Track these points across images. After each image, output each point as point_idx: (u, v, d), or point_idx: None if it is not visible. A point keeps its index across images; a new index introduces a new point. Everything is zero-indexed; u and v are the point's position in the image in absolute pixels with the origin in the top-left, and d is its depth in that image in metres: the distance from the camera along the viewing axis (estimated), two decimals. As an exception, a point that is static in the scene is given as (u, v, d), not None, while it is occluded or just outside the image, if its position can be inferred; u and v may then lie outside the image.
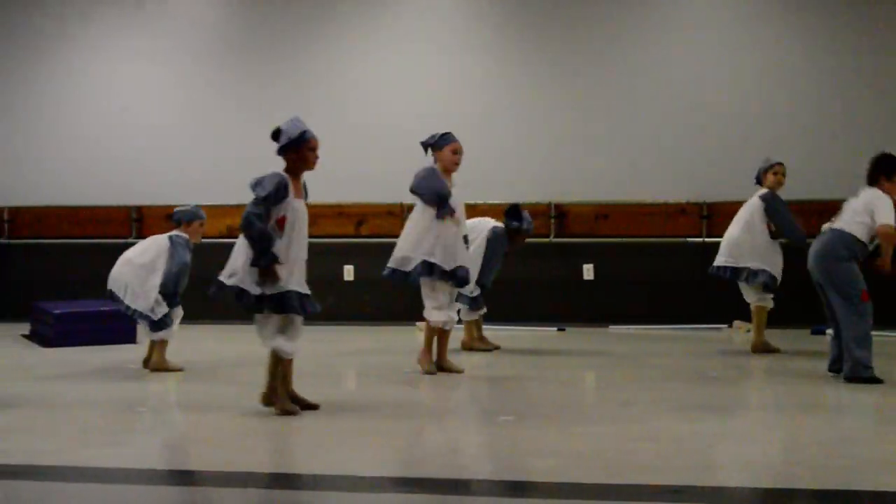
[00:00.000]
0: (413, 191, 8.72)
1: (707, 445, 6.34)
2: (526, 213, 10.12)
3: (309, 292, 7.09)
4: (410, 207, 11.98)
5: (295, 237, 7.04)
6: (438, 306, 8.61)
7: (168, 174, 12.65)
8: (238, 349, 10.62)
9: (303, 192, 7.20)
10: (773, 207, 9.67)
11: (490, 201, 11.82)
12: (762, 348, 9.79)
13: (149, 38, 12.91)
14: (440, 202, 8.57)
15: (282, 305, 6.96)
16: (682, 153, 11.92)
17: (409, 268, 8.61)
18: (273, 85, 12.64)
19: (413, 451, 6.32)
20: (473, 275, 9.18)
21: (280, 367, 7.10)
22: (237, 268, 7.06)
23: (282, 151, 7.15)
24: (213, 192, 12.63)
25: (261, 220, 6.93)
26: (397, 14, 12.45)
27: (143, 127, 12.61)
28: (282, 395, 7.07)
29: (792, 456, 6.10)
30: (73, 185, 12.85)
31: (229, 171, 12.54)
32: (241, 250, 7.07)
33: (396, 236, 11.93)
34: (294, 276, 7.02)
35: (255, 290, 6.95)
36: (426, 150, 8.83)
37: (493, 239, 9.96)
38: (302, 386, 7.41)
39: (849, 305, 7.97)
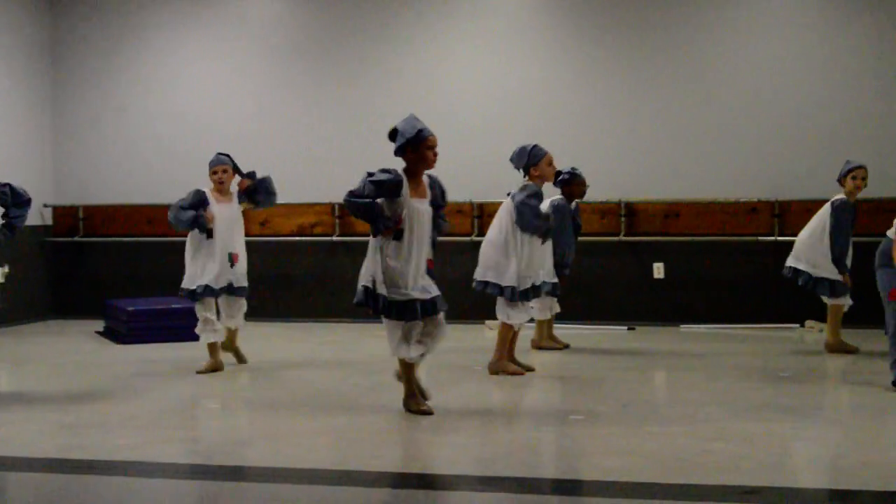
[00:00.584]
0: (525, 229, 8.57)
1: (780, 446, 6.29)
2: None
3: (433, 293, 7.02)
4: (480, 206, 12.06)
5: (414, 238, 6.95)
6: (514, 305, 8.61)
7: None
8: (307, 349, 10.69)
9: (427, 192, 7.05)
10: (835, 219, 9.56)
11: (560, 200, 11.80)
12: (838, 348, 9.68)
13: (219, 39, 13.00)
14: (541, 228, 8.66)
15: (402, 313, 6.94)
16: (754, 151, 11.80)
17: (504, 284, 8.56)
18: (344, 85, 12.67)
19: (484, 450, 6.32)
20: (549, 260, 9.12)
21: (410, 370, 7.10)
22: (368, 272, 7.02)
23: (400, 152, 7.00)
24: (283, 191, 12.69)
25: (359, 197, 6.85)
26: (471, 14, 12.43)
27: (213, 127, 12.70)
28: (414, 393, 7.10)
29: (865, 457, 6.02)
30: (146, 183, 12.99)
31: (299, 171, 12.62)
32: (370, 256, 7.03)
33: (467, 234, 12.04)
34: (416, 280, 6.97)
35: (384, 293, 6.94)
36: (525, 172, 8.77)
37: (556, 210, 9.77)
38: (380, 385, 7.45)
39: (887, 307, 7.87)
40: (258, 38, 12.91)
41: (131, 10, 13.21)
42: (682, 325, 11.66)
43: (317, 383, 8.55)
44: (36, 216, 13.21)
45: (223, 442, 6.73)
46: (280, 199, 12.58)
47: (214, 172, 9.04)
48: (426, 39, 12.53)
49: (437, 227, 7.17)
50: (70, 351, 10.55)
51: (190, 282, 8.93)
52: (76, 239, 13.34)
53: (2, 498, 5.46)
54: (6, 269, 8.43)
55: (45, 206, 13.34)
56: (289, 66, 12.84)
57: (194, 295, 8.90)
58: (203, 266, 8.92)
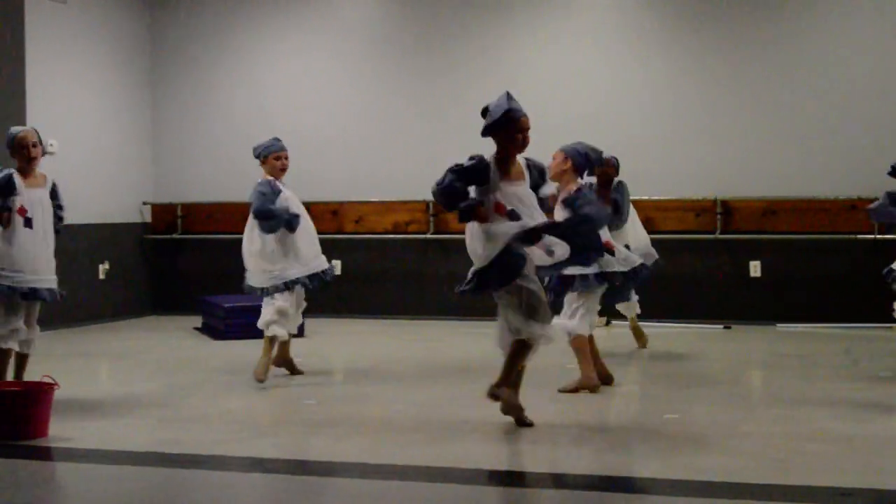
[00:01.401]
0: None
1: (877, 448, 6.19)
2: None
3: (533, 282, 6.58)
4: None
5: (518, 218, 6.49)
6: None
7: (335, 171, 12.84)
8: (400, 346, 10.74)
9: (524, 175, 6.59)
10: None
11: (654, 197, 11.71)
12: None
13: (313, 38, 13.09)
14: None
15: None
16: (853, 148, 11.61)
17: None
18: (437, 81, 12.70)
19: (576, 448, 6.30)
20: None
21: (521, 356, 6.59)
22: (476, 257, 6.60)
23: (487, 132, 6.59)
24: (380, 188, 12.78)
25: (444, 185, 6.54)
26: (565, 11, 12.39)
27: (307, 125, 12.79)
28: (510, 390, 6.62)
29: (969, 460, 5.91)
30: (243, 181, 13.06)
31: (393, 169, 12.69)
32: (480, 241, 6.57)
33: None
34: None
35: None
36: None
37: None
38: (472, 382, 7.45)
39: None
40: (351, 36, 12.99)
41: (227, 9, 13.37)
42: (778, 325, 11.51)
43: (409, 380, 8.59)
44: (135, 214, 13.44)
45: (317, 438, 6.78)
46: (374, 197, 12.75)
47: (278, 158, 8.51)
48: (518, 35, 12.51)
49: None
50: (168, 347, 10.71)
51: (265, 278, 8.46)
52: (174, 236, 13.53)
53: (102, 490, 5.55)
54: None
55: (145, 203, 13.56)
56: (381, 63, 12.90)
57: (268, 291, 8.45)
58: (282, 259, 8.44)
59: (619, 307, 9.97)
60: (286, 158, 8.56)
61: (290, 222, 8.40)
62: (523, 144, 6.58)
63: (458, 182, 6.52)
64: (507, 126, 6.50)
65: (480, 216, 6.49)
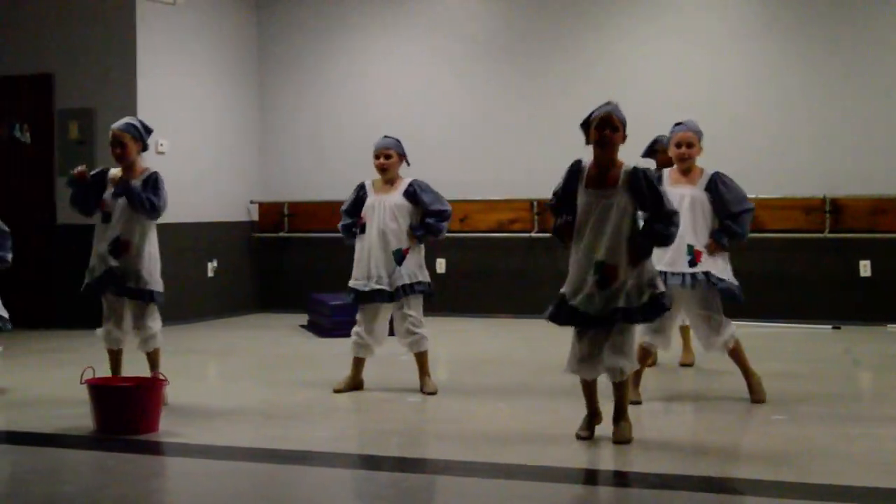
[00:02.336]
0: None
1: None
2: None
3: (594, 309, 6.15)
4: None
5: (588, 232, 6.15)
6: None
7: (440, 169, 12.85)
8: (504, 344, 10.74)
9: (618, 181, 6.12)
10: None
11: (762, 196, 11.55)
12: None
13: (418, 38, 13.14)
14: None
15: (564, 319, 6.26)
16: (968, 145, 11.37)
17: None
18: (541, 80, 12.67)
19: (682, 449, 6.25)
20: None
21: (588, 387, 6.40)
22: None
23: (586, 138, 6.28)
24: (485, 187, 12.79)
25: (554, 212, 6.30)
26: (671, 7, 12.30)
27: (412, 124, 12.84)
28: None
29: None
30: (348, 180, 13.19)
31: (497, 167, 12.70)
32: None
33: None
34: (582, 286, 6.17)
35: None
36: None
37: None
38: (577, 382, 7.43)
39: None
40: (456, 35, 13.02)
41: (333, 9, 13.48)
42: (889, 325, 11.29)
43: (513, 379, 8.58)
44: (243, 212, 13.62)
45: (421, 435, 6.82)
46: (479, 196, 12.76)
47: (376, 157, 8.00)
48: (623, 31, 12.44)
49: (646, 229, 6.22)
50: (275, 344, 10.84)
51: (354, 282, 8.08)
52: (281, 234, 13.69)
53: (210, 485, 5.64)
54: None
55: (252, 202, 13.73)
56: (486, 61, 12.90)
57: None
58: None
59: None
60: (384, 157, 7.96)
61: (346, 231, 8.19)
62: (600, 144, 6.14)
63: (563, 188, 6.28)
64: (589, 123, 6.20)
65: (566, 236, 6.25)
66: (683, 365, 8.92)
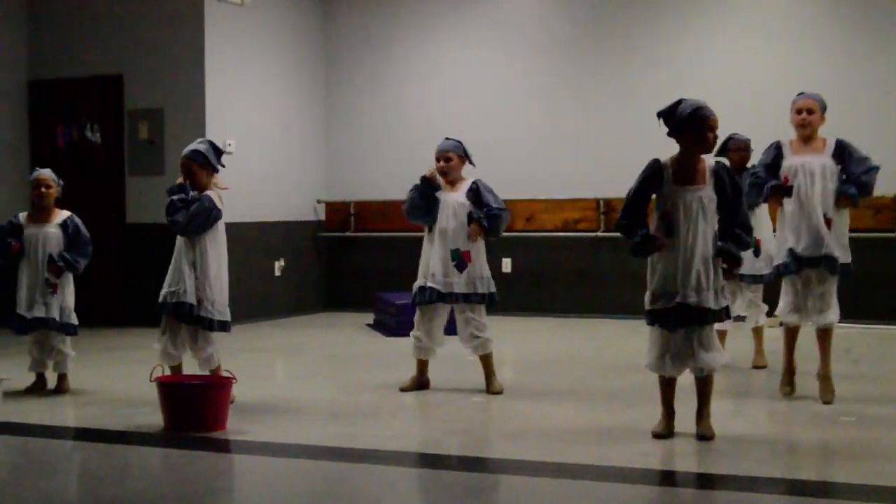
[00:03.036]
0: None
1: None
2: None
3: (707, 303, 6.14)
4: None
5: (684, 233, 6.11)
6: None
7: (506, 169, 12.84)
8: (569, 344, 10.71)
9: (706, 180, 6.15)
10: None
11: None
12: None
13: (483, 37, 13.12)
14: None
15: (664, 321, 6.25)
16: None
17: None
18: (607, 79, 12.61)
19: (753, 450, 6.20)
20: None
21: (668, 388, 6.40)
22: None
23: (675, 132, 6.21)
24: (551, 186, 12.77)
25: (625, 214, 6.23)
26: (734, 6, 12.18)
27: (481, 123, 12.83)
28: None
29: None
30: (413, 180, 13.24)
31: (563, 167, 12.66)
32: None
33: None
34: (687, 282, 6.13)
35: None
36: None
37: None
38: (644, 383, 7.38)
39: None
40: (522, 33, 12.99)
41: (399, 8, 13.51)
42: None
43: (580, 379, 8.55)
44: (310, 212, 13.69)
45: (487, 435, 6.81)
46: (544, 195, 12.73)
47: (437, 160, 7.97)
48: (691, 29, 12.35)
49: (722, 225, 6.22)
50: (341, 342, 10.88)
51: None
52: (347, 234, 13.74)
53: (277, 483, 5.67)
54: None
55: (319, 202, 13.80)
56: (552, 60, 12.87)
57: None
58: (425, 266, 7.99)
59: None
60: (443, 160, 7.92)
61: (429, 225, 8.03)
62: (713, 145, 6.22)
63: (638, 193, 6.21)
64: (696, 125, 6.13)
65: (656, 248, 6.18)
66: (756, 367, 8.82)
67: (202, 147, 7.42)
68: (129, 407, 7.42)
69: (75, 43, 12.56)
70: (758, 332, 8.88)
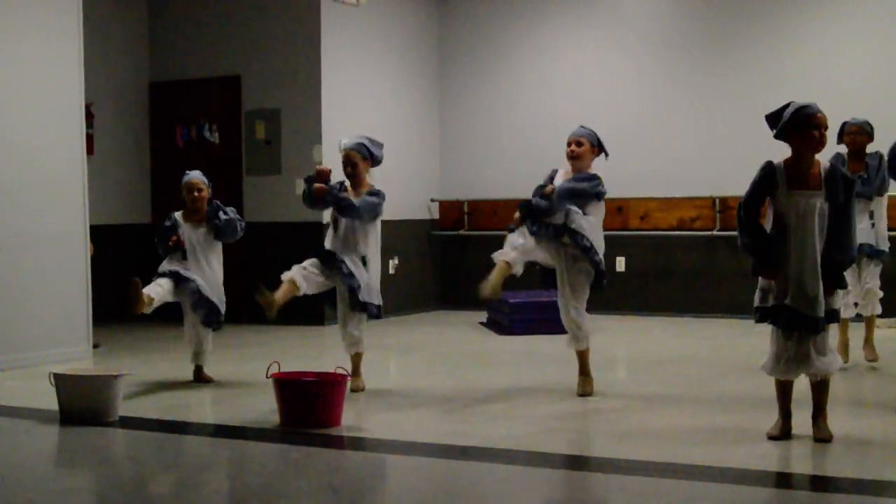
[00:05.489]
0: None
1: None
2: None
3: (819, 313, 6.01)
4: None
5: (794, 240, 6.01)
6: None
7: (621, 167, 12.73)
8: (685, 343, 10.62)
9: (820, 183, 6.00)
10: None
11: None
12: None
13: (598, 34, 13.07)
14: None
15: (775, 320, 6.16)
16: None
17: None
18: (723, 77, 12.47)
19: (870, 453, 6.09)
20: None
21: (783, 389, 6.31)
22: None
23: (782, 134, 6.11)
24: (666, 184, 12.67)
25: (742, 223, 6.16)
26: (854, 7, 11.95)
27: (596, 120, 12.71)
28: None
29: None
30: (526, 179, 13.22)
31: (678, 165, 12.56)
32: None
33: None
34: (797, 286, 6.01)
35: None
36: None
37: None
38: (761, 385, 7.29)
39: None
40: (637, 31, 12.91)
41: (513, 5, 13.51)
42: None
43: (695, 379, 8.48)
44: (423, 210, 13.76)
45: (600, 435, 6.78)
46: (660, 193, 12.64)
47: (569, 144, 7.96)
48: (810, 28, 12.16)
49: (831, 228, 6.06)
50: (455, 340, 10.92)
51: None
52: (461, 232, 13.78)
53: (392, 480, 5.71)
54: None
55: (433, 200, 13.86)
56: (668, 58, 12.77)
57: None
58: None
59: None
60: (575, 145, 7.93)
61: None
62: (821, 143, 6.03)
63: (754, 196, 6.11)
64: (801, 123, 6.01)
65: (772, 277, 6.12)
66: (869, 361, 8.66)
67: (364, 139, 7.96)
68: (248, 402, 7.55)
69: (194, 45, 12.79)
70: (870, 322, 8.66)
